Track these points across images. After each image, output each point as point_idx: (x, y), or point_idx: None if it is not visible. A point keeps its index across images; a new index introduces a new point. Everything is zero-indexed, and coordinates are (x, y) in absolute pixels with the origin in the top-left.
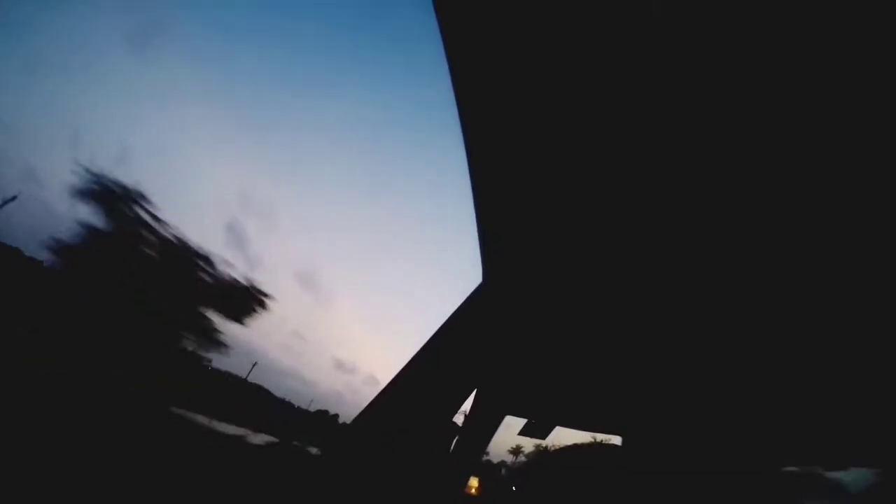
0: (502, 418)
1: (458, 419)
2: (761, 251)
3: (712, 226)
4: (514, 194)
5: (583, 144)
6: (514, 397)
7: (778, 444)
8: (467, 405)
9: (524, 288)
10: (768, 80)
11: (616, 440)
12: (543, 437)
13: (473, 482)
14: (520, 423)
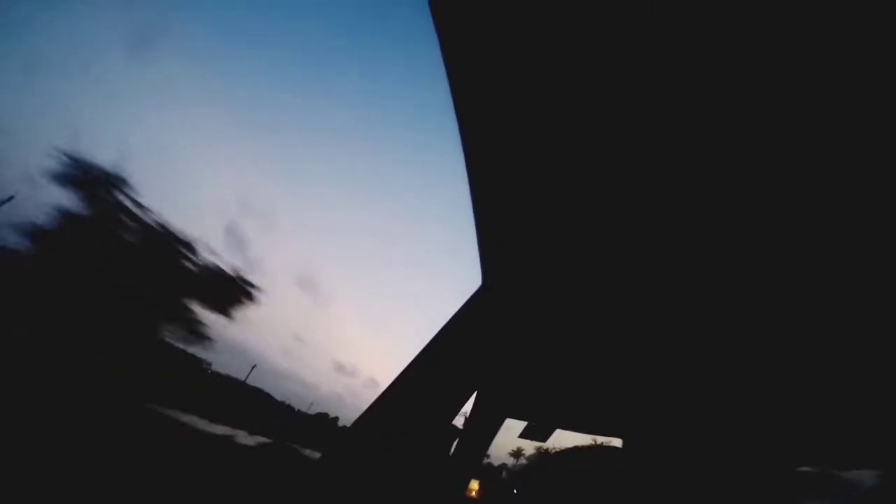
0: (503, 421)
1: (459, 422)
2: (762, 253)
3: (713, 228)
4: (512, 197)
5: (581, 147)
6: (515, 400)
7: (779, 445)
8: (468, 407)
9: (524, 291)
10: (766, 81)
11: (616, 442)
12: (544, 439)
13: (474, 485)
14: (520, 425)
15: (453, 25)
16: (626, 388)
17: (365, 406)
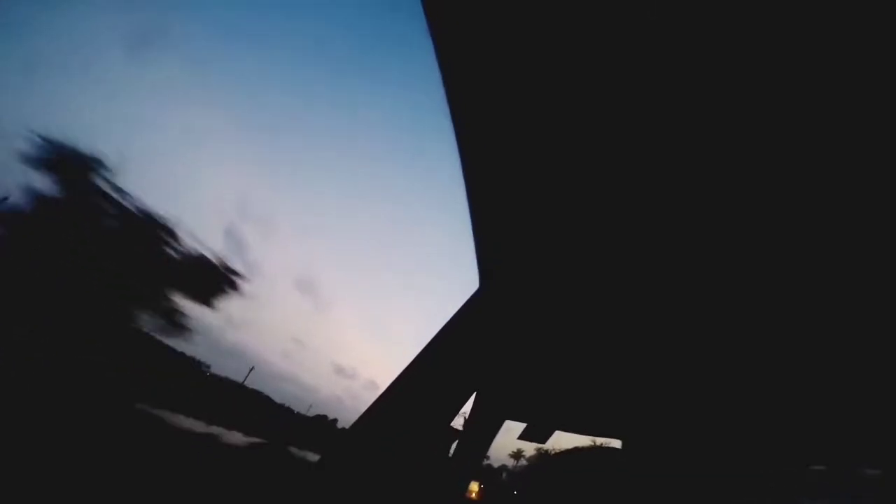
0: (502, 423)
1: (459, 423)
2: (761, 252)
3: (712, 229)
4: (508, 199)
5: (578, 147)
6: (514, 401)
7: (779, 445)
8: (467, 409)
9: (521, 292)
10: (765, 81)
11: (615, 443)
12: (543, 441)
13: (474, 487)
14: (520, 427)
15: (446, 26)
16: (624, 390)
17: (364, 408)
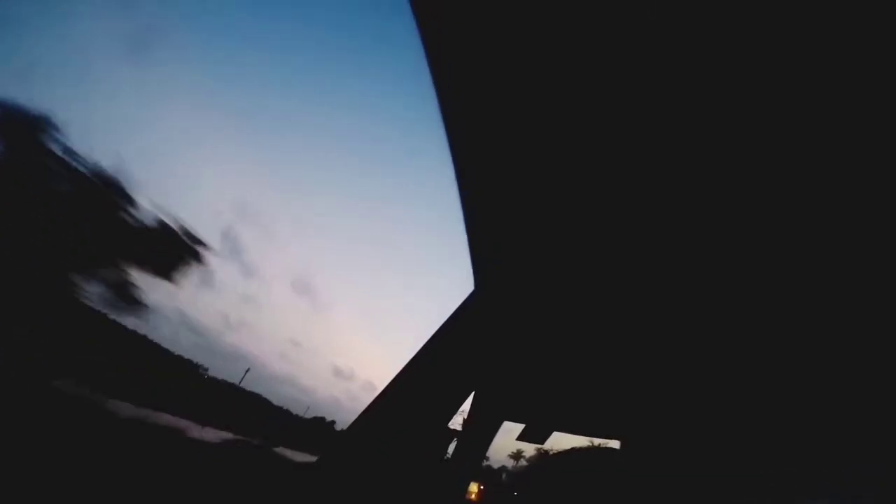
0: (500, 424)
1: (458, 423)
2: (759, 255)
3: (710, 229)
4: (502, 201)
5: (572, 148)
6: (512, 403)
7: (778, 445)
8: (467, 409)
9: (516, 294)
10: (765, 81)
11: (613, 444)
12: (542, 441)
13: (473, 487)
14: (519, 427)
15: (434, 26)
16: (623, 390)
17: (362, 410)
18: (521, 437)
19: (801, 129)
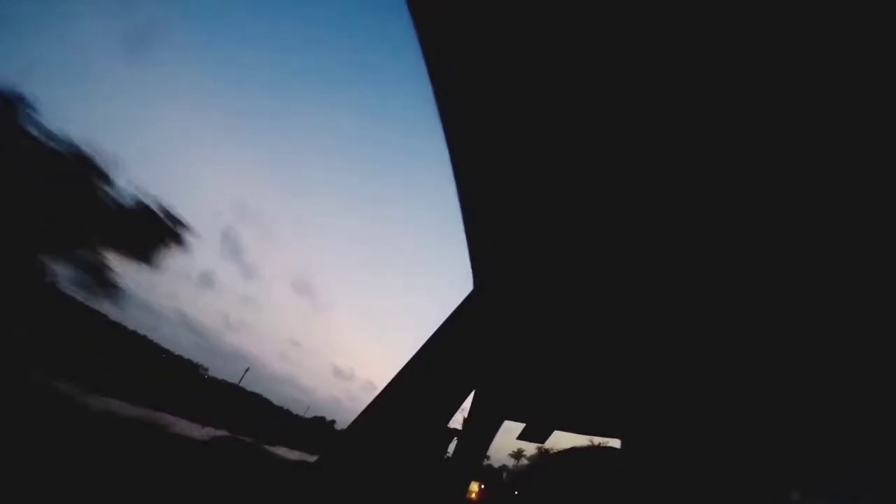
0: (501, 423)
1: (459, 421)
2: (759, 254)
3: (711, 229)
4: (500, 200)
5: (570, 148)
6: (512, 402)
7: (777, 445)
8: (467, 408)
9: (515, 293)
10: (765, 81)
11: (613, 443)
12: (542, 440)
13: (474, 487)
14: (520, 427)
15: (432, 26)
16: (623, 389)
17: (362, 409)
18: (521, 437)
19: (802, 130)
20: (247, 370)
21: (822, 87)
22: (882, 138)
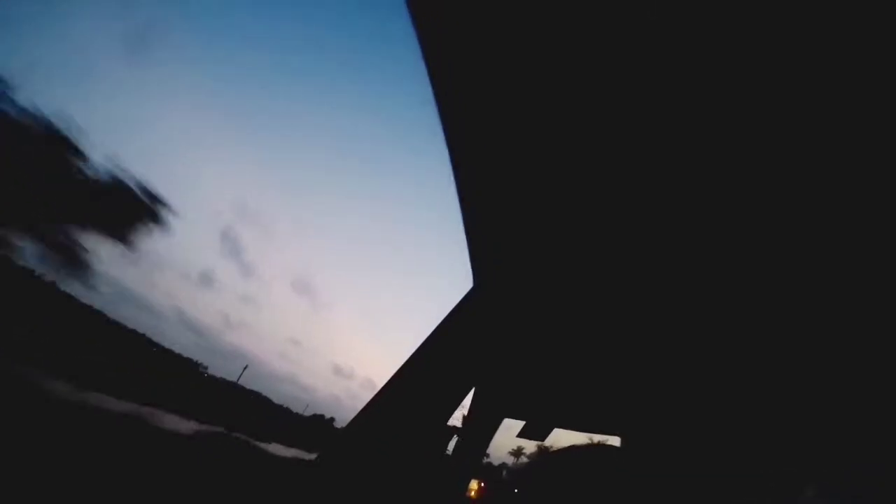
0: (501, 421)
1: (459, 418)
2: (760, 251)
3: (710, 226)
4: (500, 196)
5: (570, 146)
6: (512, 399)
7: (779, 445)
8: (467, 407)
9: (515, 290)
10: (765, 81)
11: (613, 440)
12: (542, 438)
13: (473, 485)
14: (520, 424)
15: (431, 26)
16: (624, 386)
17: (361, 407)
18: (521, 434)
19: (803, 130)
20: (245, 368)
21: (824, 88)
22: (882, 138)
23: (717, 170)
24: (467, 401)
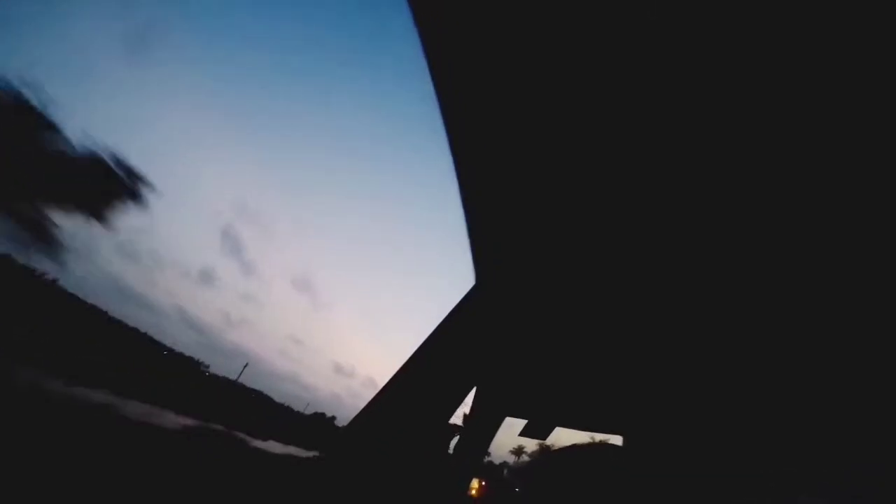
0: (502, 419)
1: (459, 416)
2: (761, 252)
3: (712, 226)
4: (502, 195)
5: (572, 144)
6: (514, 398)
7: (777, 445)
8: (468, 407)
9: (516, 289)
10: (766, 81)
11: (615, 440)
12: (544, 437)
13: (474, 484)
14: (521, 423)
15: (433, 25)
16: (626, 385)
17: (363, 406)
18: (523, 433)
19: (801, 130)
20: (245, 366)
21: (821, 87)
22: (881, 138)
23: (718, 172)
24: (468, 399)
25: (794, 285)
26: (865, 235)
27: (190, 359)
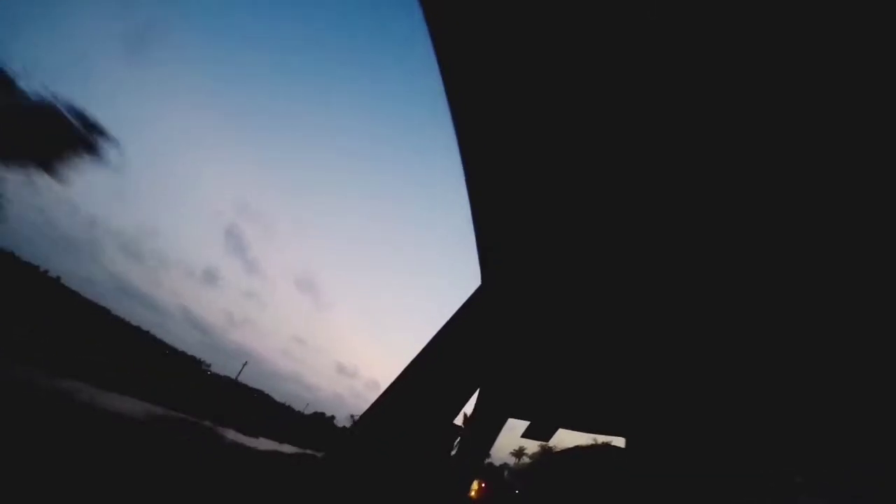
0: (505, 421)
1: (459, 419)
2: (764, 254)
3: (714, 228)
4: (510, 196)
5: (579, 145)
6: (516, 399)
7: (777, 445)
8: (469, 408)
9: (523, 290)
10: (766, 81)
11: (617, 441)
12: (546, 439)
13: (474, 485)
14: (523, 424)
15: (445, 23)
16: (628, 387)
17: (365, 406)
18: (526, 435)
19: (803, 130)
20: (245, 364)
21: (822, 87)
22: (881, 139)
23: (722, 172)
24: (470, 400)
25: (795, 286)
26: (865, 236)
27: (192, 358)
